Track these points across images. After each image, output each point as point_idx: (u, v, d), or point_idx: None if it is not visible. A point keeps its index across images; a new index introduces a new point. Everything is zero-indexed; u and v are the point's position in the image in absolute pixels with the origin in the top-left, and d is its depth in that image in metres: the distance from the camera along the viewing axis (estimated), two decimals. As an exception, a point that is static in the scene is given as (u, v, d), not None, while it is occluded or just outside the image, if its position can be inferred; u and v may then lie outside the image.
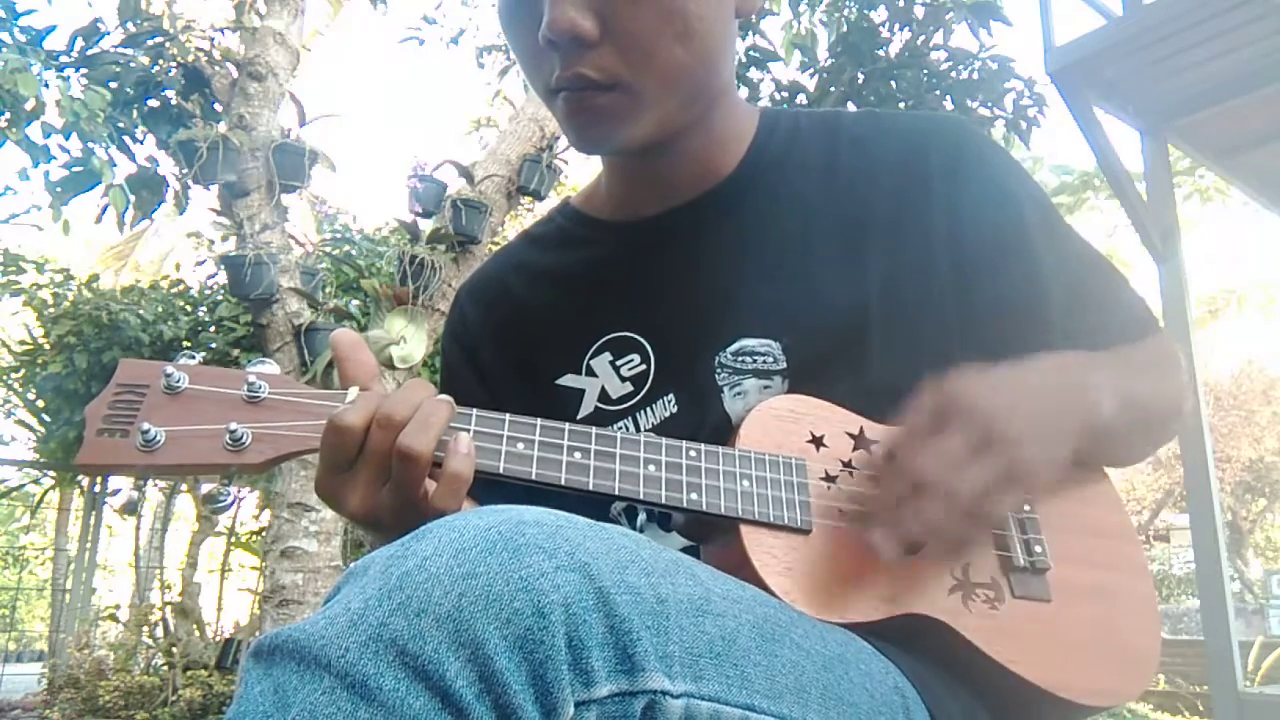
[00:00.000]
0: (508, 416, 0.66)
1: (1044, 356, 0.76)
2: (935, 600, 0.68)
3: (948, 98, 3.73)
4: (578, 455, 0.66)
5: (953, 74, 3.76)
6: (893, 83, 3.74)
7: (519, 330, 0.90)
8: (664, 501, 0.67)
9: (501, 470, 0.64)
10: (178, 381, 0.63)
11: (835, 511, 0.70)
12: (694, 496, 0.67)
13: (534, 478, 0.65)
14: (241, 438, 0.62)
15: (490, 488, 0.67)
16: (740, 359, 0.78)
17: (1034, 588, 0.71)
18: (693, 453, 0.69)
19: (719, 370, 0.78)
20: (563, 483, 0.65)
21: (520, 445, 0.65)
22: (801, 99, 3.80)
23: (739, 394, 0.77)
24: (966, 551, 0.70)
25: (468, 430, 0.65)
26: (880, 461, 0.68)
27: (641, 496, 0.66)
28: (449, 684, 0.42)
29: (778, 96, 3.85)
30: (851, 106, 3.78)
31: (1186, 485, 3.86)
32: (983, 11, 3.68)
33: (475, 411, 0.66)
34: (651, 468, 0.67)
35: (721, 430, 0.76)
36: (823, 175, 0.83)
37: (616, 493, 0.66)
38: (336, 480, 0.63)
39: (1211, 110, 3.98)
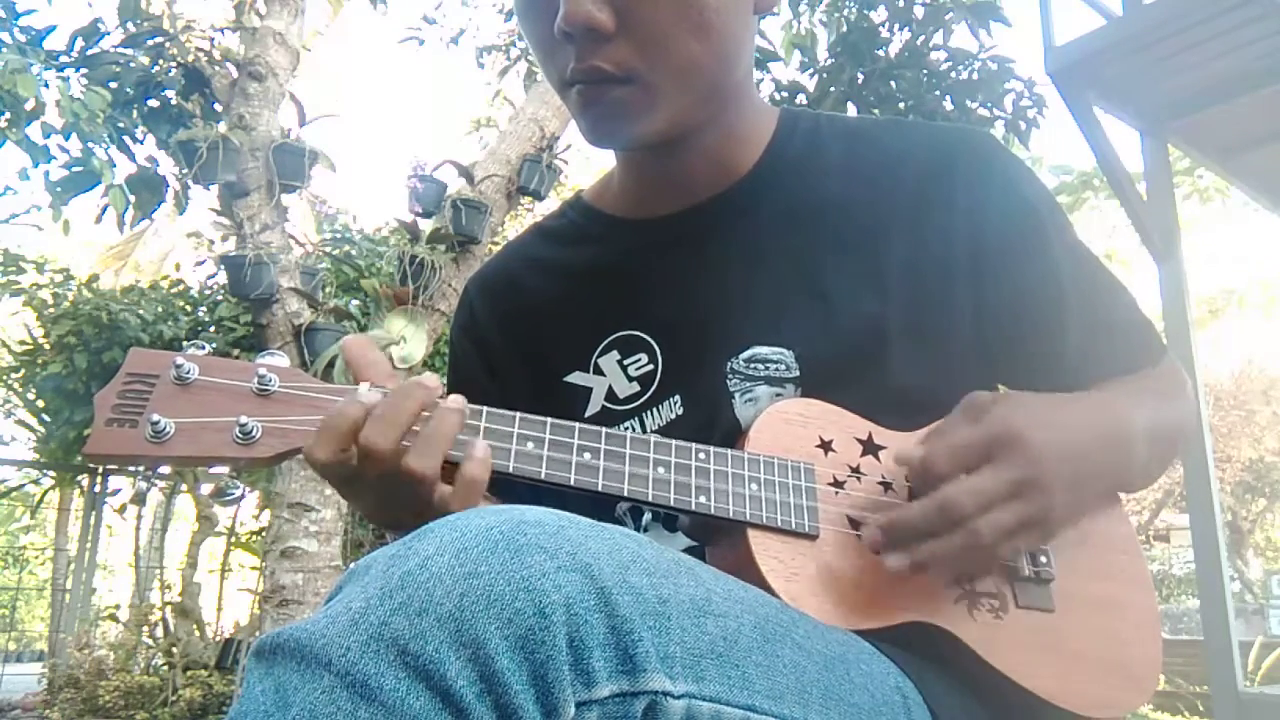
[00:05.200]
0: (518, 415, 0.66)
1: (1090, 395, 0.77)
2: (940, 608, 0.68)
3: (947, 98, 3.73)
4: (587, 456, 0.66)
5: (952, 74, 3.75)
6: (892, 83, 3.74)
7: (527, 325, 0.89)
8: (672, 504, 0.66)
9: (511, 470, 0.64)
10: (188, 372, 0.63)
11: (843, 517, 0.70)
12: (702, 500, 0.67)
13: (543, 477, 0.65)
14: (252, 431, 0.62)
15: (495, 485, 0.67)
16: (753, 366, 0.77)
17: (1038, 598, 0.71)
18: (701, 455, 0.68)
19: (730, 376, 0.78)
20: (572, 483, 0.65)
21: (530, 445, 0.65)
22: (801, 99, 3.80)
23: (750, 400, 0.77)
24: (968, 581, 0.70)
25: (478, 426, 0.65)
26: (916, 471, 0.67)
27: (650, 499, 0.66)
28: (450, 684, 0.42)
29: (777, 96, 3.85)
30: (851, 107, 3.78)
31: (1186, 485, 3.86)
32: (983, 12, 3.67)
33: (485, 409, 0.66)
34: (661, 470, 0.67)
35: (732, 436, 0.75)
36: (843, 176, 0.83)
37: (625, 494, 0.66)
38: (347, 490, 0.65)
39: (1211, 110, 3.97)
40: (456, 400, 0.64)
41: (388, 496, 0.64)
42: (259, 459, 0.63)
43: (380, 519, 0.68)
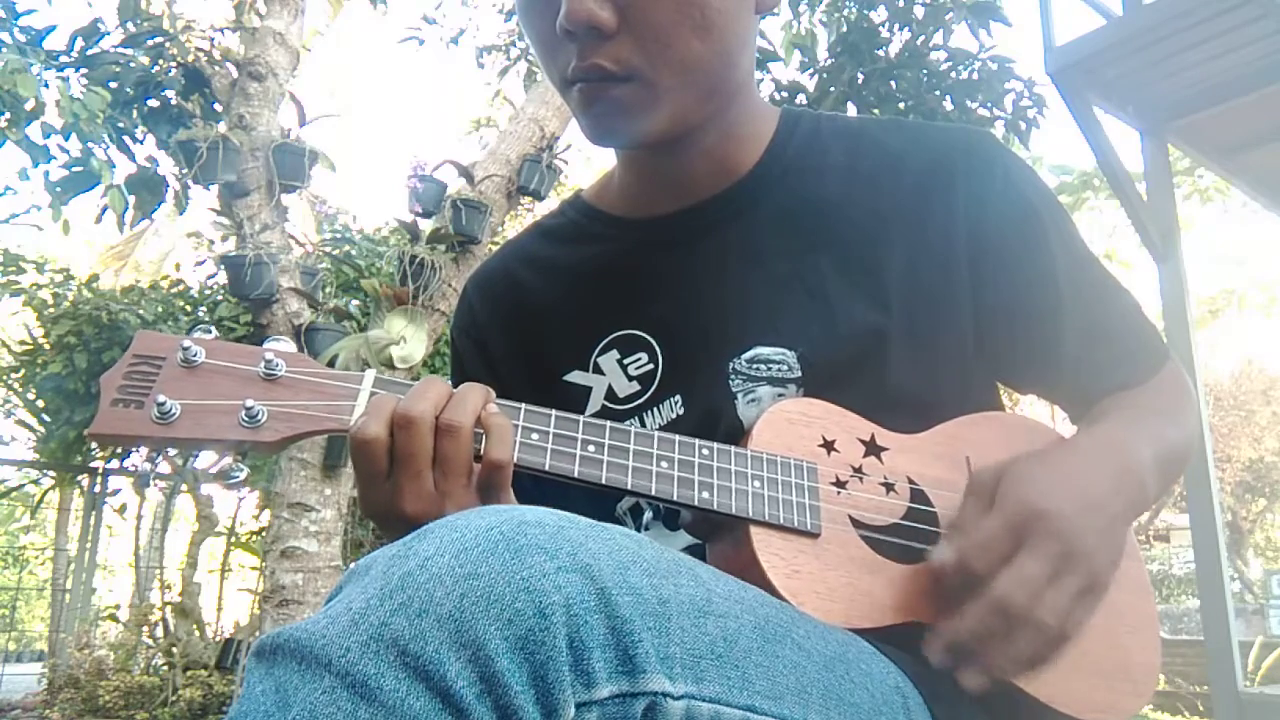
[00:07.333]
0: (523, 406, 0.66)
1: (1095, 433, 0.76)
2: (939, 609, 0.68)
3: (947, 98, 3.73)
4: (591, 449, 0.66)
5: (952, 74, 3.76)
6: (892, 83, 3.74)
7: (527, 323, 0.89)
8: (675, 499, 0.66)
9: (516, 460, 0.64)
10: (194, 355, 0.63)
11: (845, 517, 0.70)
12: (705, 495, 0.67)
13: (547, 469, 0.65)
14: (257, 415, 0.62)
15: None
16: (755, 366, 0.77)
17: None
18: (705, 451, 0.68)
19: (733, 376, 0.78)
20: (575, 475, 0.65)
21: (534, 436, 0.65)
22: (801, 99, 3.80)
23: (753, 400, 0.77)
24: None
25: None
26: (953, 578, 0.65)
27: (653, 493, 0.66)
28: (450, 684, 0.42)
29: (777, 96, 3.85)
30: (851, 107, 3.78)
31: (1186, 485, 3.86)
32: (983, 12, 3.68)
33: (493, 401, 0.66)
34: (664, 464, 0.67)
35: (734, 436, 0.75)
36: (844, 176, 0.82)
37: (629, 488, 0.66)
38: (378, 492, 0.63)
39: (1211, 110, 3.98)
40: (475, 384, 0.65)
41: (420, 491, 0.62)
42: (264, 443, 0.62)
43: (396, 516, 0.66)
